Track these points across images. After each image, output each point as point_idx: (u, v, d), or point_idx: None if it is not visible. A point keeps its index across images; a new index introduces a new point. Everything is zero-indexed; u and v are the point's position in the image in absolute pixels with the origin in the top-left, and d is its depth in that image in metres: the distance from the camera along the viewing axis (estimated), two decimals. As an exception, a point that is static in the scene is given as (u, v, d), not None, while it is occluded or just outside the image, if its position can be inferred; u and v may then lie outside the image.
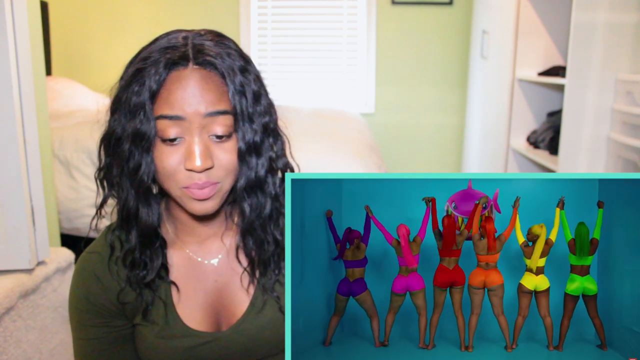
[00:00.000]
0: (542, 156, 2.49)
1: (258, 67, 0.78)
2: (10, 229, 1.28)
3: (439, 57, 3.86)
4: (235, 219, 0.84)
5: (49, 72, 3.68)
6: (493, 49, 3.09)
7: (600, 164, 2.12)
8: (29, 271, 1.33)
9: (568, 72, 2.14)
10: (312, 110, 3.17)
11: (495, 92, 3.01)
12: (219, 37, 0.75)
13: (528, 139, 2.76)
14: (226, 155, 0.73)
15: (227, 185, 0.76)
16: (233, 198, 0.80)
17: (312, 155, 2.19)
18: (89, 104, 3.21)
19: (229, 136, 0.73)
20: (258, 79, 0.77)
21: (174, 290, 0.82)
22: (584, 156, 2.15)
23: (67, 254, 1.49)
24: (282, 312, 0.82)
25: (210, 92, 0.71)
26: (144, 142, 0.71)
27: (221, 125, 0.72)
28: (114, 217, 0.82)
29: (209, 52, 0.72)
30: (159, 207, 0.81)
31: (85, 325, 0.82)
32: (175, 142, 0.72)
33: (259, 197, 0.78)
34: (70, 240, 2.16)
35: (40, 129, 1.40)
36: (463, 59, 3.80)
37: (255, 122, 0.74)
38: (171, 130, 0.71)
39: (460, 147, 3.90)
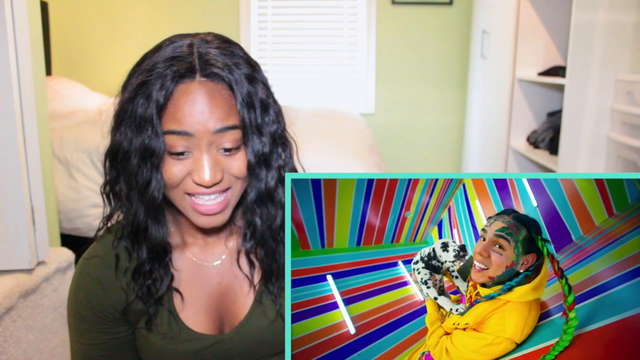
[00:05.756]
0: (542, 156, 2.49)
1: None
2: (10, 229, 1.28)
3: (439, 57, 3.86)
4: (239, 222, 0.83)
5: (49, 72, 3.68)
6: (493, 49, 3.09)
7: (600, 164, 2.12)
8: (29, 271, 1.33)
9: (568, 72, 2.14)
10: (312, 110, 3.17)
11: (495, 92, 3.01)
12: (225, 44, 0.73)
13: (528, 139, 2.76)
14: (236, 163, 0.73)
15: (237, 191, 0.75)
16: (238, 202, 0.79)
17: (312, 155, 2.19)
18: (89, 104, 3.21)
19: (237, 148, 0.72)
20: (265, 86, 0.75)
21: (177, 296, 0.81)
22: (584, 156, 2.15)
23: (67, 254, 1.49)
24: (282, 318, 0.81)
25: (219, 108, 0.69)
26: (154, 158, 0.70)
27: (230, 140, 0.71)
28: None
29: (216, 63, 0.70)
30: (167, 221, 0.79)
31: (86, 331, 0.81)
32: (182, 156, 0.71)
33: (269, 208, 0.78)
34: (70, 240, 2.16)
35: (40, 129, 1.40)
36: (463, 59, 3.80)
37: (264, 133, 0.73)
38: (179, 145, 0.70)
39: (460, 147, 3.90)
